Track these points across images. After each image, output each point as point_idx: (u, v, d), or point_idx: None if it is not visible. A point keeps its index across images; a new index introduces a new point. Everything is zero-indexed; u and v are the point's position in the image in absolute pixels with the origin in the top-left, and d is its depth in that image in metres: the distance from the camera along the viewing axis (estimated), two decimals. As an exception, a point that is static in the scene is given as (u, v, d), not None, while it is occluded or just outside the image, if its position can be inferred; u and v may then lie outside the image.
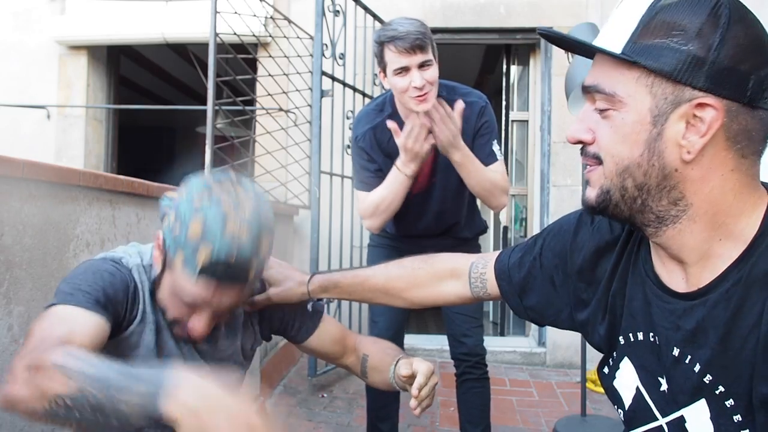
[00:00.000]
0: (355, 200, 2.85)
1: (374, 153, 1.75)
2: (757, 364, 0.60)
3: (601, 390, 3.18)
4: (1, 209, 1.11)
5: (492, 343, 3.63)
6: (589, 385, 3.01)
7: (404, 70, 1.56)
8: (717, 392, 0.64)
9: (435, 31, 3.83)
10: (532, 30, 3.79)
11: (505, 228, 4.36)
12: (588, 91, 0.68)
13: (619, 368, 0.79)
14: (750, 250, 0.62)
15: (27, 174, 1.17)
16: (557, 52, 3.64)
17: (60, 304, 0.85)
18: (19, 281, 1.17)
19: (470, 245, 1.98)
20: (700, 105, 0.60)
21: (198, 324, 0.93)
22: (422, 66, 1.56)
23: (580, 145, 0.70)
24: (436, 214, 1.86)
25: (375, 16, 3.43)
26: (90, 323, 0.83)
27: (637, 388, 0.76)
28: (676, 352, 0.68)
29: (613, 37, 0.64)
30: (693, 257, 0.66)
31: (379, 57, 1.63)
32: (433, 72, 1.59)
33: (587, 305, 0.83)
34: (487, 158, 1.72)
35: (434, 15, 3.77)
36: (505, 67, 4.33)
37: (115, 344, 0.91)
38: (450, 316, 1.96)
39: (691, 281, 0.67)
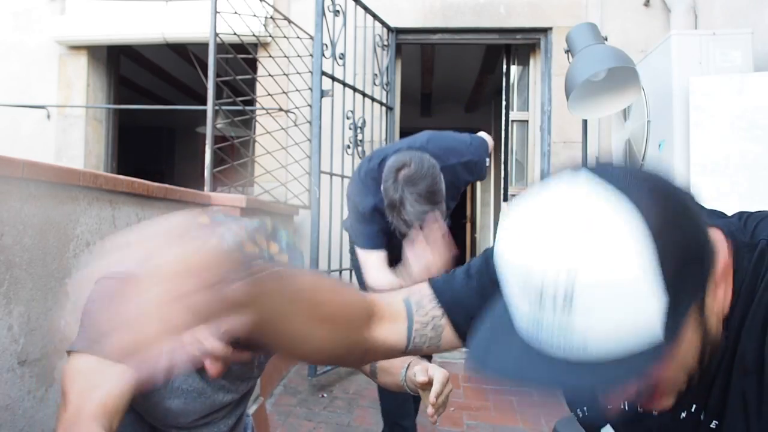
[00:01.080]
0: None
1: (379, 222, 1.78)
2: (749, 399, 0.61)
3: (601, 390, 3.10)
4: (1, 209, 1.11)
5: (492, 343, 3.64)
6: (589, 385, 3.00)
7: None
8: None
9: (435, 31, 3.89)
10: (532, 30, 3.80)
11: (505, 228, 4.36)
12: None
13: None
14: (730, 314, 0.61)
15: (27, 174, 1.17)
16: (557, 52, 3.64)
17: (86, 353, 0.87)
18: (19, 281, 1.17)
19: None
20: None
21: (213, 369, 0.95)
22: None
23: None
24: None
25: (375, 16, 3.43)
26: (120, 379, 0.87)
27: None
28: (684, 414, 0.68)
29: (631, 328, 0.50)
30: None
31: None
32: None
33: None
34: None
35: (434, 15, 3.77)
36: (505, 67, 4.33)
37: None
38: None
39: None
